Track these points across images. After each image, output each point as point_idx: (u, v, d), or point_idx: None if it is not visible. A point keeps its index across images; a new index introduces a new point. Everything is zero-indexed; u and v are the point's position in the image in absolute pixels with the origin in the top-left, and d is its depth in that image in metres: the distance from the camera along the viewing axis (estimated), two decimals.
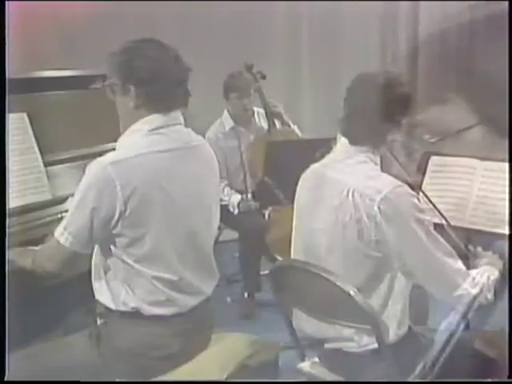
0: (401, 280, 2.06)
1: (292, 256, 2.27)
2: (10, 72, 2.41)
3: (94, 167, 1.91)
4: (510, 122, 5.38)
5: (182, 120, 2.07)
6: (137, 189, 1.89)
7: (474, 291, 1.94)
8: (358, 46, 5.59)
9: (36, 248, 2.16)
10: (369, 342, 2.04)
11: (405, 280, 2.06)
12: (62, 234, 1.93)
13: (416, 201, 1.98)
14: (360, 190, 1.95)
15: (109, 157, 1.92)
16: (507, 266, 2.03)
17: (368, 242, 1.97)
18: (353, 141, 2.05)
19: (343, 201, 1.98)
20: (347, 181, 2.00)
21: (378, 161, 2.05)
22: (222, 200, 3.84)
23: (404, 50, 5.66)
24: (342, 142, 2.08)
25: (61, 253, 1.96)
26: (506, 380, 1.96)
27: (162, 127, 1.99)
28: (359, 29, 5.60)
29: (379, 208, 1.92)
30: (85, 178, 1.91)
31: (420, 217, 1.95)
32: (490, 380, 2.05)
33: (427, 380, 2.07)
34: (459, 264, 1.98)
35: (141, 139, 1.98)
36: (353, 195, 1.96)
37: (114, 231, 1.93)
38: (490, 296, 1.97)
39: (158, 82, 1.96)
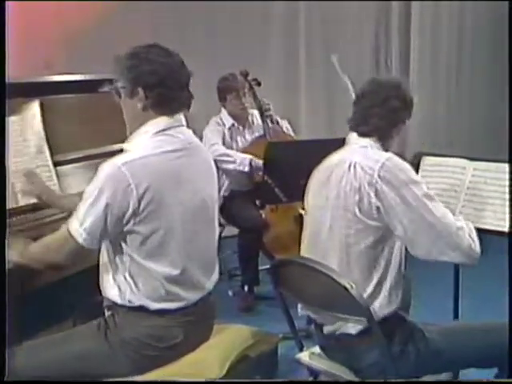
0: (397, 254, 2.08)
1: (302, 245, 2.26)
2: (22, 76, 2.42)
3: (108, 167, 1.90)
4: (509, 121, 5.39)
5: (184, 122, 2.07)
6: (149, 187, 1.89)
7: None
8: (352, 50, 5.62)
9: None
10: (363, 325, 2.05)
11: (399, 256, 2.09)
12: (77, 231, 1.91)
13: (409, 166, 2.05)
14: (361, 163, 2.04)
15: (121, 158, 1.92)
16: None
17: (368, 211, 2.01)
18: (361, 134, 2.16)
19: (345, 174, 2.06)
20: (350, 158, 2.09)
21: (380, 148, 2.14)
22: (226, 162, 3.86)
23: (396, 51, 5.69)
24: (351, 135, 2.19)
25: (69, 246, 1.94)
26: (506, 380, 1.96)
27: (167, 129, 2.00)
28: (355, 32, 5.63)
29: (379, 175, 1.99)
30: (98, 178, 1.90)
31: (417, 179, 2.03)
32: (490, 380, 2.05)
33: (427, 380, 2.08)
34: (463, 225, 2.01)
35: (148, 140, 1.98)
36: (354, 167, 2.05)
37: (126, 228, 1.92)
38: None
39: (165, 85, 1.96)
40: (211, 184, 2.13)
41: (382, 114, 2.11)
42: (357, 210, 2.02)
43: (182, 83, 2.01)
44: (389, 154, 2.07)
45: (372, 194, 1.99)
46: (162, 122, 2.00)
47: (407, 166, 2.04)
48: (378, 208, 2.00)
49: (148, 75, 1.95)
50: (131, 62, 1.97)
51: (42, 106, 2.67)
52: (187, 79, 2.03)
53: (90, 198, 1.90)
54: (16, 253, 2.07)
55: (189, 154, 2.03)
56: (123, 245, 1.96)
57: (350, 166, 2.06)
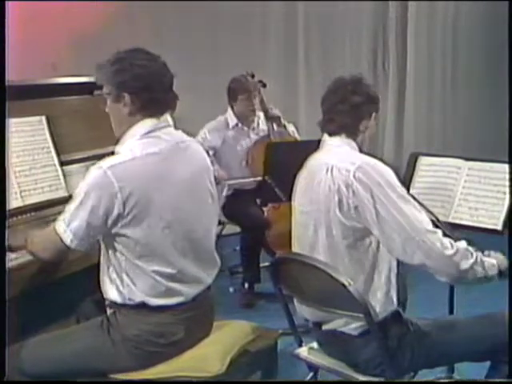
0: (384, 254, 2.06)
1: (293, 248, 2.27)
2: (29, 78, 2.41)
3: (94, 171, 1.90)
4: (509, 121, 5.37)
5: (171, 122, 2.06)
6: (134, 190, 1.88)
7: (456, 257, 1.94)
8: (350, 53, 5.62)
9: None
10: (362, 324, 2.04)
11: (388, 261, 2.07)
12: (64, 232, 1.92)
13: (387, 169, 2.03)
14: (337, 165, 2.04)
15: (107, 161, 1.91)
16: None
17: (347, 212, 2.00)
18: (331, 134, 2.16)
19: (324, 177, 2.06)
20: (327, 161, 2.09)
21: (354, 145, 2.15)
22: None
23: (393, 55, 5.68)
24: (324, 136, 2.20)
25: (55, 246, 1.96)
26: (506, 380, 1.94)
27: (154, 130, 1.98)
28: (353, 36, 5.62)
29: (354, 176, 1.98)
30: (85, 181, 1.90)
31: (392, 181, 2.00)
32: (490, 380, 2.04)
33: (427, 380, 2.07)
34: (436, 229, 1.98)
35: (135, 143, 1.96)
36: (331, 170, 2.04)
37: (114, 231, 1.92)
38: (479, 273, 1.97)
39: (151, 89, 1.95)
40: (204, 179, 2.09)
41: (345, 110, 2.11)
42: (337, 211, 2.01)
43: (167, 86, 2.00)
44: (365, 157, 2.07)
45: (350, 195, 1.98)
46: (148, 124, 1.98)
47: (384, 169, 2.02)
48: (356, 208, 1.99)
49: (133, 81, 1.94)
50: (115, 68, 1.96)
51: (48, 107, 2.67)
52: (171, 81, 2.02)
53: (77, 201, 1.90)
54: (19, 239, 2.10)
55: (176, 154, 2.01)
56: (116, 246, 1.96)
57: (328, 169, 2.05)
